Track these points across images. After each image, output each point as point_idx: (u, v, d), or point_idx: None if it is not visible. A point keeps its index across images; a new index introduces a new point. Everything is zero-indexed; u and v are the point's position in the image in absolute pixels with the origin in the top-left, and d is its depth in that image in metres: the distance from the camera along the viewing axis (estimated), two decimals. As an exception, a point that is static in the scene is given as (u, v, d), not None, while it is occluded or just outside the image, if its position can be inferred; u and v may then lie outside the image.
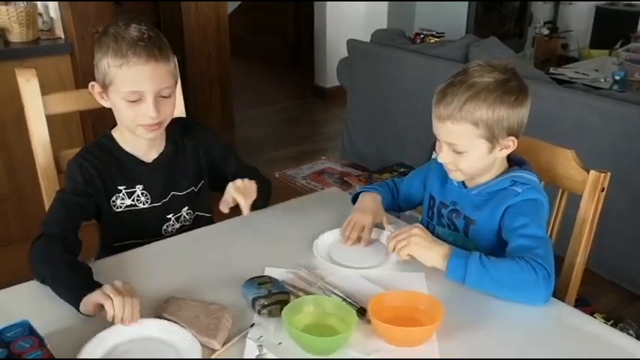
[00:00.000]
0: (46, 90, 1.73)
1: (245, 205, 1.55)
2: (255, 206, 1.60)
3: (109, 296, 1.23)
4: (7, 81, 2.71)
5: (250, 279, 1.38)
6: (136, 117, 1.52)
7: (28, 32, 2.92)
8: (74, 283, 1.32)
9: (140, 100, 1.50)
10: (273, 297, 1.31)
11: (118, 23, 1.50)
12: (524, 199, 1.47)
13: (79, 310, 1.28)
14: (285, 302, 1.29)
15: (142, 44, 1.47)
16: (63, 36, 3.03)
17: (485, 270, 1.35)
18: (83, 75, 2.93)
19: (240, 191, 1.56)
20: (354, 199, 1.74)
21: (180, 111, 1.88)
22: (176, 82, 1.58)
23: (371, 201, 1.70)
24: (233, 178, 1.67)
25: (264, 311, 1.29)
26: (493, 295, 1.36)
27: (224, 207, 1.58)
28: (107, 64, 1.49)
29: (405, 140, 3.99)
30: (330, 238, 1.61)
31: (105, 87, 1.53)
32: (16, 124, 2.78)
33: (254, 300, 1.31)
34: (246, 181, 1.59)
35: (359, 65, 4.26)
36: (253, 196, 1.57)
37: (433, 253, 1.42)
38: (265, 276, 1.40)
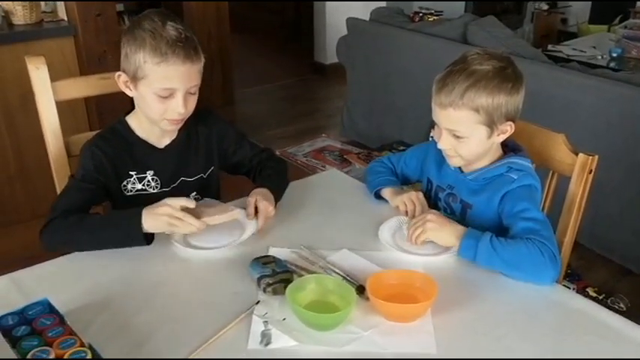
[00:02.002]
0: (51, 72, 1.77)
1: (259, 224, 1.61)
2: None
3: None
4: (13, 63, 2.78)
5: (255, 258, 1.45)
6: (164, 111, 1.59)
7: (32, 14, 2.95)
8: (122, 221, 1.51)
9: (170, 95, 1.56)
10: (277, 276, 1.38)
11: (153, 19, 1.55)
12: (520, 185, 1.55)
13: (142, 239, 1.48)
14: (288, 281, 1.37)
15: (180, 45, 1.52)
16: (66, 18, 3.05)
17: (494, 251, 1.42)
18: (87, 56, 2.97)
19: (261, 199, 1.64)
20: (376, 195, 1.79)
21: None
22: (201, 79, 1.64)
23: (398, 188, 1.79)
24: (250, 162, 1.82)
25: (269, 289, 1.36)
26: (503, 274, 1.44)
27: (250, 209, 1.63)
28: (143, 59, 1.53)
29: (404, 118, 4.04)
30: (394, 224, 1.65)
31: (135, 79, 1.58)
32: (23, 105, 2.84)
33: (259, 279, 1.38)
34: (265, 203, 1.63)
35: (358, 43, 4.29)
36: (270, 214, 1.63)
37: (447, 233, 1.51)
38: (269, 256, 1.47)
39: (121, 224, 1.50)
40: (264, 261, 1.44)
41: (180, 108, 1.57)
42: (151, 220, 1.47)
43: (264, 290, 1.37)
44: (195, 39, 1.58)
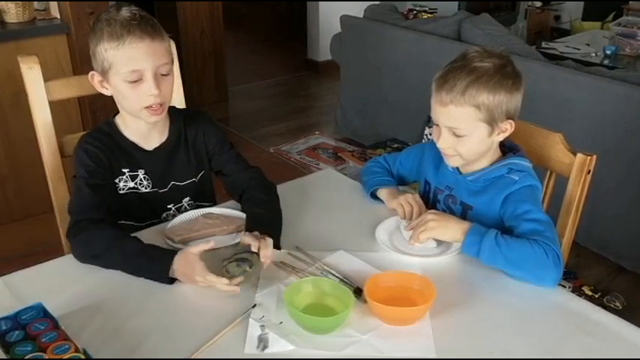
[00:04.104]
0: (43, 71, 1.75)
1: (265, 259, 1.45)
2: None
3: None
4: (5, 62, 2.75)
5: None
6: (139, 98, 1.56)
7: (24, 12, 2.92)
8: (156, 256, 1.43)
9: (140, 80, 1.54)
10: (234, 256, 1.40)
11: (109, 10, 1.55)
12: (522, 186, 1.53)
13: (165, 279, 1.40)
14: (243, 260, 1.38)
15: (134, 23, 1.51)
16: (59, 16, 3.03)
17: (498, 249, 1.41)
18: (80, 55, 2.95)
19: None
20: (373, 195, 1.78)
21: (177, 92, 1.91)
22: (172, 61, 1.62)
23: (395, 189, 1.77)
24: (230, 173, 1.77)
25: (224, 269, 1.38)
26: (506, 273, 1.43)
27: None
28: (104, 48, 1.53)
29: (398, 116, 4.03)
30: (391, 224, 1.64)
31: (105, 73, 1.56)
32: (15, 104, 2.81)
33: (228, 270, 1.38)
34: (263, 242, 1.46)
35: (352, 41, 4.28)
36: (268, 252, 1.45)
37: (452, 229, 1.50)
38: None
39: (154, 259, 1.43)
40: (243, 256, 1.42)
41: (152, 90, 1.54)
42: (182, 270, 1.40)
43: (226, 271, 1.37)
44: (154, 19, 1.57)
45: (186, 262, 1.39)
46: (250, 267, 1.37)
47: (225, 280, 1.35)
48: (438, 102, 1.52)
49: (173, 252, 1.42)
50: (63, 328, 1.19)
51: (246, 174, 1.76)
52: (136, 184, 1.69)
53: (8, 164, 2.99)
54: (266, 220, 1.59)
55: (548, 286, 1.41)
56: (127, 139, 1.67)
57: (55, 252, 1.65)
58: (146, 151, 1.69)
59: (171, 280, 1.41)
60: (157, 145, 1.70)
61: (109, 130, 1.67)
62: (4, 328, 1.18)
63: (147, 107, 1.57)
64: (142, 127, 1.66)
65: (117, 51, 1.51)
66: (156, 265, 1.42)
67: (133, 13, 1.53)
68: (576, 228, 1.67)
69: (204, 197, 1.81)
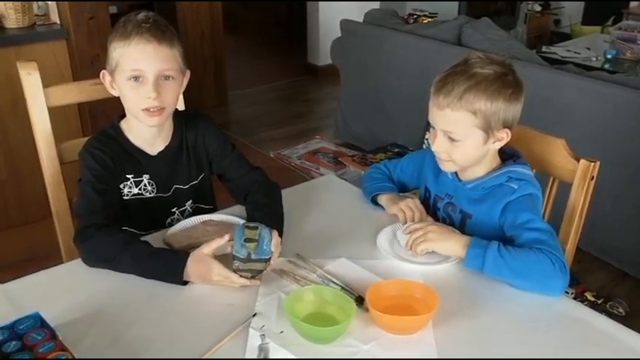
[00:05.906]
0: (43, 76, 1.74)
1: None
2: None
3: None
4: (4, 67, 2.74)
5: (246, 225, 1.40)
6: (137, 99, 1.56)
7: (24, 18, 2.91)
8: (169, 257, 1.44)
9: (142, 81, 1.54)
10: (248, 263, 1.36)
11: (130, 13, 1.57)
12: (521, 194, 1.52)
13: (179, 281, 1.41)
14: (258, 271, 1.37)
15: (145, 26, 1.53)
16: (58, 21, 3.02)
17: (503, 260, 1.39)
18: (80, 60, 2.94)
19: None
20: (373, 201, 1.77)
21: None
22: (181, 70, 1.61)
23: (395, 195, 1.75)
24: (235, 177, 1.75)
25: (237, 273, 1.37)
26: (511, 284, 1.41)
27: None
28: (114, 47, 1.55)
29: (398, 120, 4.02)
30: (392, 232, 1.63)
31: (112, 72, 1.58)
32: (14, 109, 2.81)
33: (234, 255, 1.37)
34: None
35: (352, 45, 4.27)
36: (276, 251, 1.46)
37: (452, 242, 1.48)
38: (257, 228, 1.38)
39: (167, 262, 1.43)
40: (248, 235, 1.37)
41: (150, 92, 1.53)
42: (196, 271, 1.41)
43: (234, 271, 1.38)
44: (169, 25, 1.58)
45: (201, 264, 1.40)
46: (260, 271, 1.39)
47: (244, 280, 1.37)
48: (436, 105, 1.51)
49: (186, 254, 1.42)
50: (60, 338, 1.17)
51: (249, 177, 1.75)
52: (140, 189, 1.68)
53: (7, 170, 2.98)
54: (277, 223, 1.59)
55: (555, 295, 1.39)
56: (132, 144, 1.67)
57: (53, 258, 1.64)
58: (150, 155, 1.68)
59: (185, 282, 1.42)
60: (160, 149, 1.69)
61: (115, 134, 1.67)
62: (0, 338, 1.16)
63: (144, 109, 1.57)
64: (146, 131, 1.65)
65: (123, 49, 1.53)
66: (169, 267, 1.42)
67: (147, 17, 1.55)
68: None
69: (204, 199, 1.80)
